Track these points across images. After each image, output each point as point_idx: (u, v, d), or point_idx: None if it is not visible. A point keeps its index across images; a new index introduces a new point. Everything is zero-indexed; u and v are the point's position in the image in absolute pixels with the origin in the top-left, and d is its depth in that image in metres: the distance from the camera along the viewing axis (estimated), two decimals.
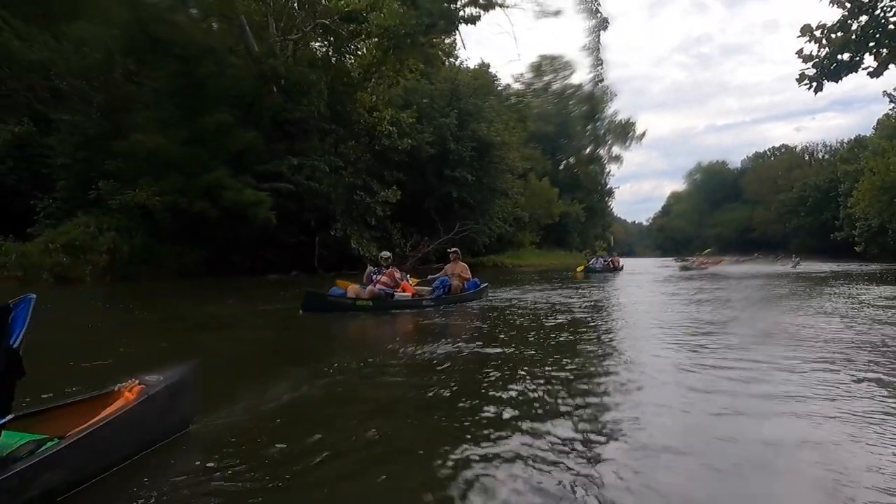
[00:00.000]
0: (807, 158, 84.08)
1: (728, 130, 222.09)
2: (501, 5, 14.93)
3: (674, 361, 5.18)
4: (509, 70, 61.37)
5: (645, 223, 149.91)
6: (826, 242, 59.08)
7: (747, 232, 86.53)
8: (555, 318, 8.75)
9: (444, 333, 7.47)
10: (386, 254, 10.33)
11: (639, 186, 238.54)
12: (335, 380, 4.47)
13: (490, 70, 38.22)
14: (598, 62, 14.18)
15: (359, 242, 25.71)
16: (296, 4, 25.08)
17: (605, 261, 27.96)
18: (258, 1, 23.43)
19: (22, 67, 22.40)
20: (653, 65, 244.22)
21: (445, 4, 14.73)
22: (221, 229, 21.80)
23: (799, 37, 7.57)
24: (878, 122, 48.85)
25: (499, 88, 39.48)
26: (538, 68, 61.82)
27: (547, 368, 4.87)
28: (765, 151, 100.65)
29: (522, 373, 4.69)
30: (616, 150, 67.78)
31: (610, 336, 7.08)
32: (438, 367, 5.00)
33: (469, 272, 11.43)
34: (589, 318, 8.86)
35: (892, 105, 44.97)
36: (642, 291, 16.18)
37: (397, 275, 9.97)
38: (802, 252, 53.63)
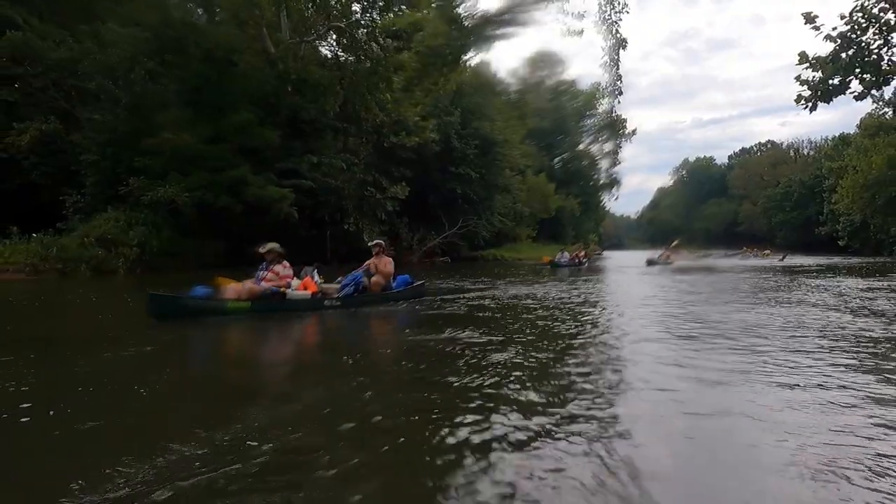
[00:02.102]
0: (792, 154, 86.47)
1: (714, 125, 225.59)
2: (533, 24, 16.10)
3: (656, 359, 4.80)
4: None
5: (633, 216, 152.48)
6: (810, 237, 61.20)
7: (734, 226, 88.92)
8: (503, 320, 7.56)
9: (338, 343, 6.42)
10: (271, 245, 8.34)
11: (627, 181, 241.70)
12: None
13: (490, 68, 39.36)
14: (617, 77, 15.26)
15: (370, 236, 26.85)
16: (309, 6, 25.89)
17: (571, 255, 26.98)
18: (274, 3, 24.28)
19: (46, 66, 23.18)
20: (640, 59, 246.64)
21: (485, 25, 15.83)
22: (238, 223, 22.82)
23: (797, 64, 8.88)
24: (862, 121, 50.68)
25: (499, 87, 40.52)
26: (534, 63, 62.97)
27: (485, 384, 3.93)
28: (751, 147, 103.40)
29: (441, 393, 3.74)
30: (608, 146, 69.26)
31: (560, 339, 5.97)
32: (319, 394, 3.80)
33: (392, 267, 9.65)
34: (545, 321, 7.29)
35: (875, 105, 46.81)
36: (619, 285, 15.37)
37: (283, 271, 8.17)
38: (787, 246, 55.63)
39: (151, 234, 20.60)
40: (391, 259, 9.80)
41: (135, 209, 20.98)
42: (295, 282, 8.33)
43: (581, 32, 17.20)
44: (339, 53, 28.32)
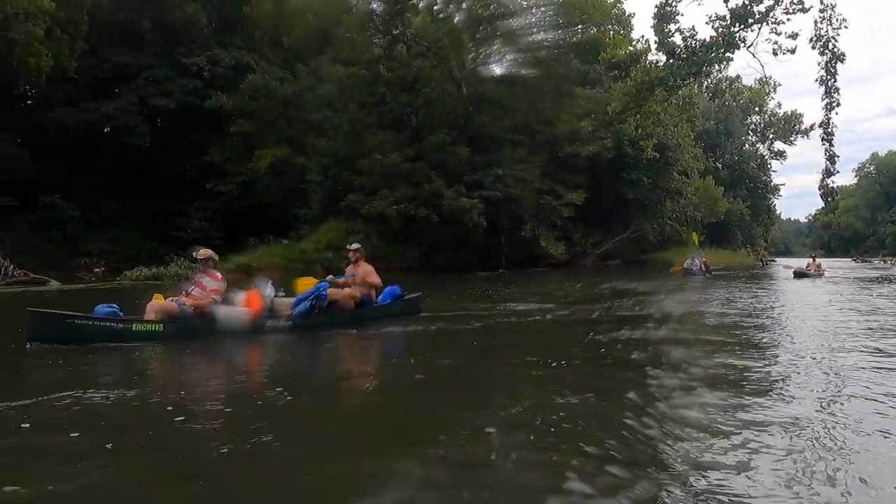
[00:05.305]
0: None
1: None
2: (747, 47, 16.42)
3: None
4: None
5: (803, 220, 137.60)
6: None
7: None
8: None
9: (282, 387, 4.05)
10: (206, 251, 6.67)
11: (794, 181, 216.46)
12: None
13: None
14: (834, 90, 14.52)
15: (546, 241, 28.33)
16: (489, 29, 28.08)
17: (700, 262, 23.45)
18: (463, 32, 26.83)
19: (275, 101, 27.89)
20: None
21: (702, 52, 16.58)
22: (433, 232, 25.51)
23: None
24: None
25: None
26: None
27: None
28: None
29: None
30: (779, 144, 63.97)
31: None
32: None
33: (376, 276, 7.56)
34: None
35: None
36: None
37: (212, 284, 6.45)
38: None
39: (365, 241, 23.94)
40: (371, 268, 7.66)
41: (350, 220, 24.53)
42: (239, 296, 6.64)
43: (794, 51, 16.58)
44: (513, 72, 30.28)
